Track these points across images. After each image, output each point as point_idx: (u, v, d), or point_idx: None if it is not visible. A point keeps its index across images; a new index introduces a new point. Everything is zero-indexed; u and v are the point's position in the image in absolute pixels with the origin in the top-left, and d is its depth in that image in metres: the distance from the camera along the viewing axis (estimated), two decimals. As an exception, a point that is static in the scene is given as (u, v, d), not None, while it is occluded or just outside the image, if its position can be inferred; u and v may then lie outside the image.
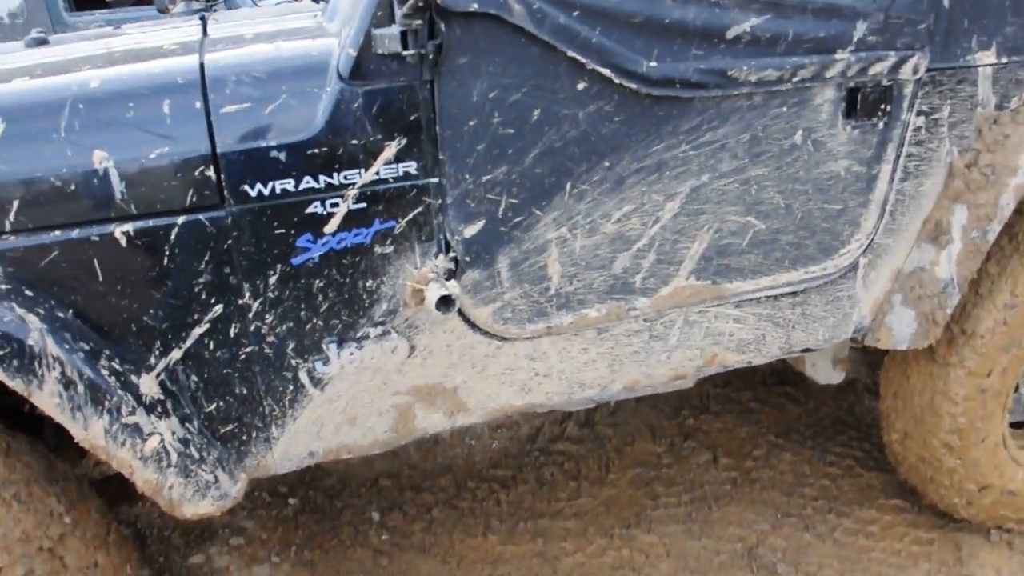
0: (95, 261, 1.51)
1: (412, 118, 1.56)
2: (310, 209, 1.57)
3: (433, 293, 1.60)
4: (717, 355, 1.98)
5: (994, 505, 2.37)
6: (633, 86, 1.66)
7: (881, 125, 1.93)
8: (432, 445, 2.85)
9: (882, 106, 1.91)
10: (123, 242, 1.51)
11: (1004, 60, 2.02)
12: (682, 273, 1.85)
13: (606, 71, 1.63)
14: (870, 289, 2.08)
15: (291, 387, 1.69)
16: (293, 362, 1.67)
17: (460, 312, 1.72)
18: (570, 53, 1.60)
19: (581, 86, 1.64)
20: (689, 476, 2.68)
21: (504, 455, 2.81)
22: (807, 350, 2.09)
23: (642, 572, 2.34)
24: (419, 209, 1.62)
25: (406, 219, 1.62)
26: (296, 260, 1.60)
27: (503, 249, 1.70)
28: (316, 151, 1.53)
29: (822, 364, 2.39)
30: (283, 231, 1.57)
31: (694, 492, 2.60)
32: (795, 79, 1.79)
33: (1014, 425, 2.44)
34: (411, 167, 1.59)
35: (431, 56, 1.53)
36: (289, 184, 1.54)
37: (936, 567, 2.35)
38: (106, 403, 1.52)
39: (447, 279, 1.65)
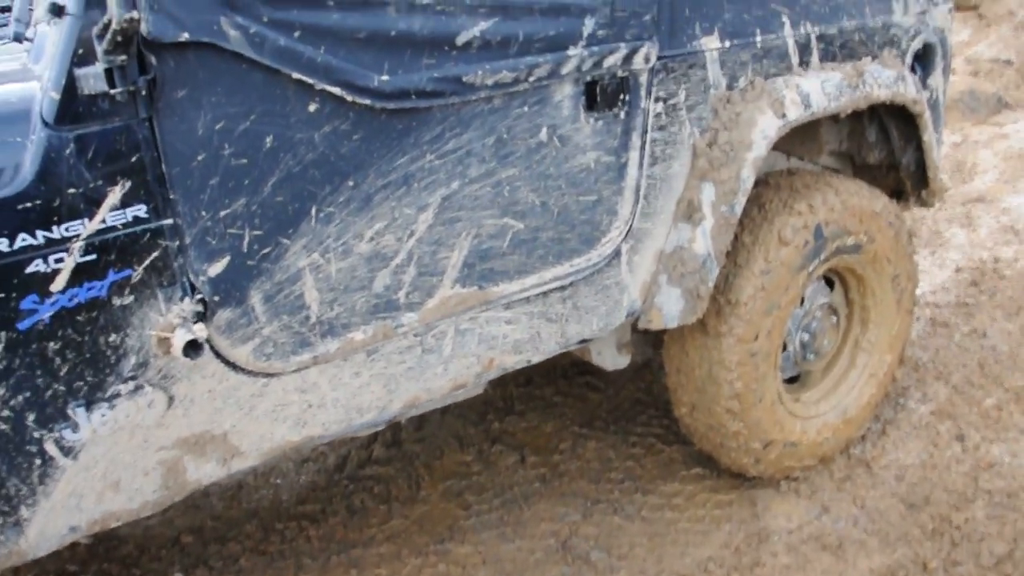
0: None
1: (134, 159, 1.46)
2: (31, 268, 1.44)
3: (179, 340, 1.51)
4: (495, 359, 1.98)
5: (779, 458, 2.51)
6: (367, 102, 1.63)
7: (623, 115, 2.00)
8: (236, 491, 2.72)
9: (621, 96, 1.98)
10: None
11: (727, 44, 2.15)
12: (446, 283, 1.83)
13: (336, 89, 1.60)
14: (636, 273, 2.15)
15: (38, 462, 1.55)
16: (36, 435, 1.53)
17: (217, 354, 1.63)
18: (296, 75, 1.55)
19: (313, 107, 1.59)
20: (499, 480, 2.68)
21: (312, 489, 2.72)
22: (584, 341, 2.14)
23: (461, 584, 2.33)
24: (156, 253, 1.52)
25: (143, 266, 1.51)
26: (23, 325, 1.47)
27: (254, 283, 1.62)
28: (28, 205, 1.41)
29: (607, 351, 2.45)
30: (3, 295, 1.43)
31: (505, 495, 2.61)
32: (531, 78, 1.82)
33: (788, 381, 2.61)
34: (140, 211, 1.49)
35: (144, 92, 1.44)
36: (2, 244, 1.41)
37: (736, 526, 2.47)
38: None
39: (196, 322, 1.56)
